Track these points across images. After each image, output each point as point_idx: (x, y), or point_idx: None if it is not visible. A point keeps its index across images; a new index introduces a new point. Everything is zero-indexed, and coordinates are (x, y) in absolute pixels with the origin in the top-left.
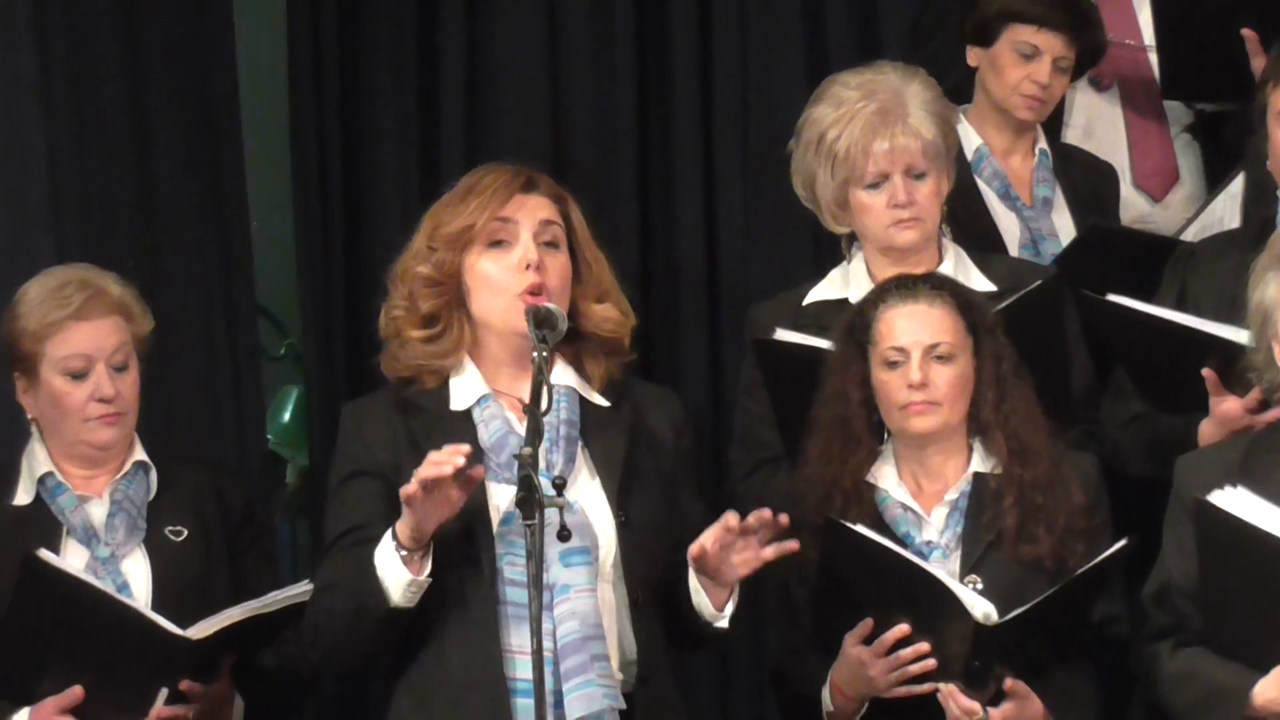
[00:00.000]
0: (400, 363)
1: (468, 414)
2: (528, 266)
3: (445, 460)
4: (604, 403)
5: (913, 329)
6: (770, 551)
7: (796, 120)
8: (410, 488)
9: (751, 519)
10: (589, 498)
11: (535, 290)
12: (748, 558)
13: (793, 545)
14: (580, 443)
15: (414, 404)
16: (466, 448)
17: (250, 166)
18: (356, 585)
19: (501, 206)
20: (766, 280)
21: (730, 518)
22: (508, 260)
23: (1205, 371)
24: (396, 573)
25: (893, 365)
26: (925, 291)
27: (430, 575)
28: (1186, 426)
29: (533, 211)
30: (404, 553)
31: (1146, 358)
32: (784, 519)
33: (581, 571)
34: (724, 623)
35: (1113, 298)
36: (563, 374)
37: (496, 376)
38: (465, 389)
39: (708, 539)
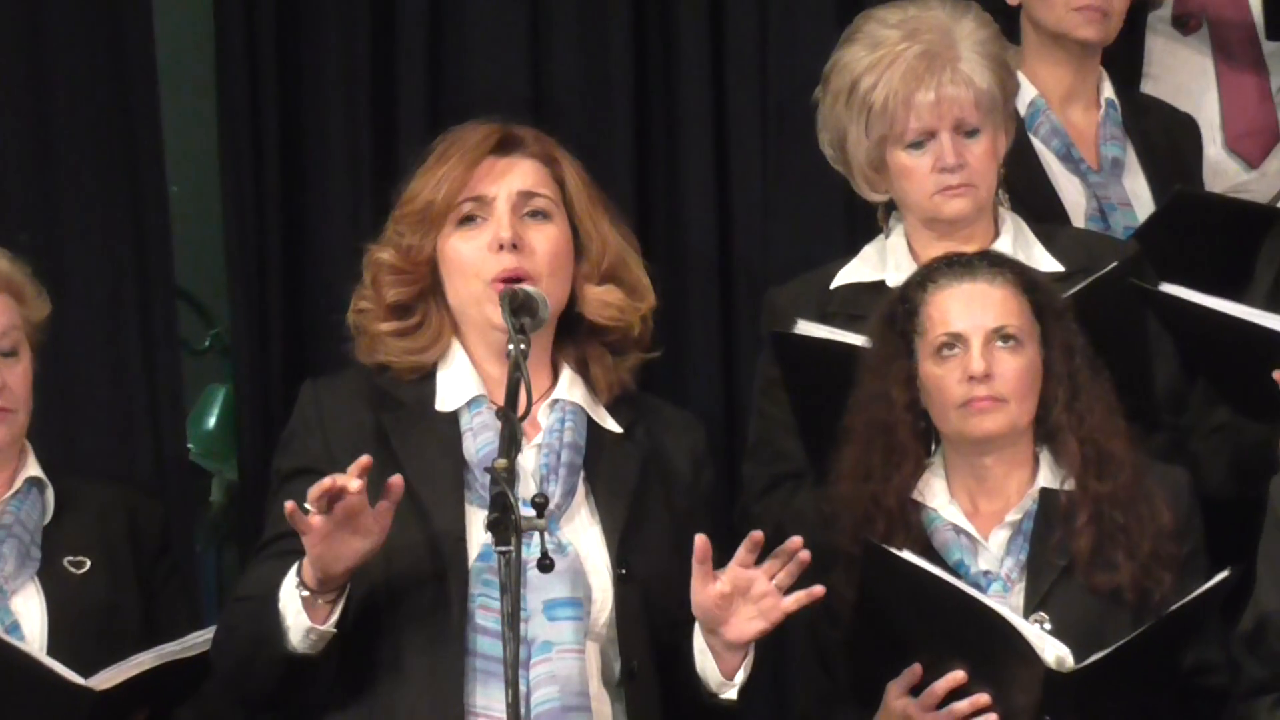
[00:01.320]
0: (376, 354)
1: (454, 417)
2: (500, 247)
3: (336, 476)
4: (616, 428)
5: (971, 311)
6: (791, 601)
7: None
8: (289, 504)
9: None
10: (586, 542)
11: (512, 277)
12: (766, 606)
13: (819, 591)
14: (582, 474)
15: (390, 395)
16: (366, 459)
17: (168, 117)
18: (259, 614)
19: (468, 175)
20: (788, 259)
21: (754, 536)
22: (480, 240)
23: (1277, 375)
24: (297, 615)
25: (947, 356)
26: (983, 268)
27: (337, 626)
28: (1272, 439)
29: (506, 178)
30: (305, 594)
31: (1220, 358)
32: (805, 555)
33: (568, 627)
34: (733, 693)
35: (1168, 288)
36: (570, 389)
37: (481, 377)
38: (455, 385)
39: (723, 577)
